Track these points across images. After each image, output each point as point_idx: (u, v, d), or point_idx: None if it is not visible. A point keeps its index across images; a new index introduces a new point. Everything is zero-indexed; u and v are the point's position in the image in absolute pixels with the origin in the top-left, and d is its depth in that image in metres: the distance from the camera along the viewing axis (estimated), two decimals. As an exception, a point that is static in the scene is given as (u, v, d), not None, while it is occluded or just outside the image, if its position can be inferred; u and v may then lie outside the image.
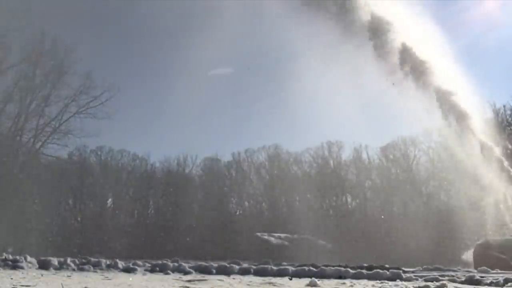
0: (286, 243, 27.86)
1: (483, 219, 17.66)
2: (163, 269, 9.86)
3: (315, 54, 22.69)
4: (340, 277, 9.18)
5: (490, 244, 15.51)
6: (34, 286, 6.49)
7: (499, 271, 11.31)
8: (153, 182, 35.15)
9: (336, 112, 24.21)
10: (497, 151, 17.71)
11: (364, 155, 34.54)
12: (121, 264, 10.12)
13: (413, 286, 7.70)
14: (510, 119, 34.82)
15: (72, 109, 27.49)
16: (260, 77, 24.87)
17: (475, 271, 11.40)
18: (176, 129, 34.01)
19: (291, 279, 8.91)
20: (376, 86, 20.81)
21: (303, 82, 24.38)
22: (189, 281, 8.04)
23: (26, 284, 6.59)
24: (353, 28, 18.46)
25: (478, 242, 16.29)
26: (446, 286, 7.64)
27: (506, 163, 16.93)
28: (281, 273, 9.69)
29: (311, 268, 10.30)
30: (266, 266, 10.83)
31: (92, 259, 10.55)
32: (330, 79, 23.57)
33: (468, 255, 16.67)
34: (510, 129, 34.88)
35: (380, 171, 33.32)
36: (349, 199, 35.16)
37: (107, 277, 8.21)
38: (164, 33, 25.23)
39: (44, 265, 9.41)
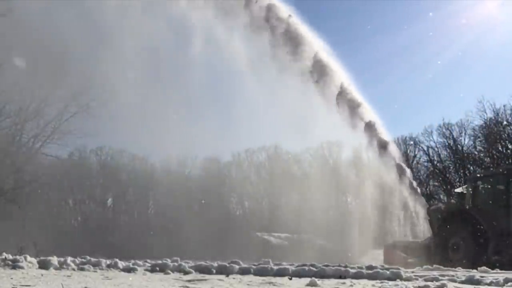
0: (286, 243, 27.91)
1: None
2: (163, 269, 9.81)
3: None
4: (340, 277, 9.16)
5: (396, 245, 18.82)
6: (34, 286, 6.47)
7: (498, 271, 11.35)
8: (153, 182, 35.22)
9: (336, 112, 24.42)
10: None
11: (364, 155, 34.62)
12: (121, 264, 10.08)
13: (413, 286, 7.68)
14: (510, 119, 34.87)
15: (72, 109, 27.58)
16: (260, 76, 24.86)
17: (475, 270, 11.40)
18: (176, 129, 34.01)
19: (291, 279, 8.88)
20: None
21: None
22: (189, 280, 8.02)
23: (26, 284, 6.57)
24: None
25: (387, 243, 19.79)
26: (446, 286, 7.63)
27: (415, 183, 21.59)
28: (281, 273, 9.66)
29: (311, 268, 10.28)
30: (266, 266, 10.79)
31: (92, 259, 10.51)
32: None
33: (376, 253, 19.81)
34: (510, 129, 34.93)
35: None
36: (349, 199, 35.25)
37: (107, 277, 8.19)
38: (164, 32, 25.16)
39: (44, 265, 9.37)
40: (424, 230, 19.73)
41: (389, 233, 23.47)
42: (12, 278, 7.23)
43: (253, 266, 10.58)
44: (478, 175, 21.13)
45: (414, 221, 20.51)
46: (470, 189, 17.60)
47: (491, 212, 16.26)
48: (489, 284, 8.26)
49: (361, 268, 10.88)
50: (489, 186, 17.45)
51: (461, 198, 18.78)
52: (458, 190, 21.88)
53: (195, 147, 36.02)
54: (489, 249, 15.52)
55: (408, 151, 40.19)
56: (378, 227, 23.38)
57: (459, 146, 38.21)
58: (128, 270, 9.64)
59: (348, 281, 8.46)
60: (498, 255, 15.30)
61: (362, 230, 24.61)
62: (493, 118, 35.42)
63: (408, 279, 8.90)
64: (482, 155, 37.25)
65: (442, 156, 39.17)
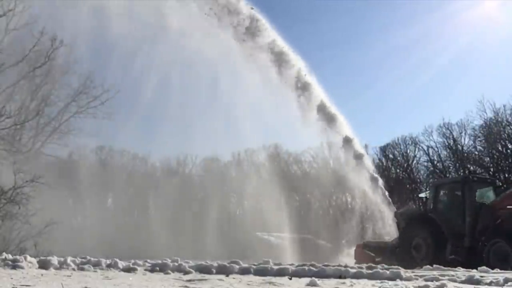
0: (286, 243, 27.89)
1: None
2: (163, 269, 9.80)
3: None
4: (340, 277, 9.16)
5: (366, 245, 20.75)
6: (34, 286, 6.47)
7: (498, 271, 11.38)
8: (153, 182, 35.20)
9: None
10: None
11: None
12: (121, 263, 10.07)
13: (413, 286, 7.68)
14: (510, 119, 34.88)
15: (72, 109, 27.54)
16: (260, 75, 24.92)
17: (475, 270, 11.41)
18: (176, 129, 34.05)
19: (291, 279, 8.88)
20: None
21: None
22: (189, 280, 8.02)
23: (26, 284, 6.56)
24: None
25: (358, 243, 21.90)
26: (446, 286, 7.63)
27: (386, 193, 23.93)
28: (281, 273, 9.66)
29: (311, 268, 10.28)
30: (266, 266, 10.80)
31: (92, 259, 10.50)
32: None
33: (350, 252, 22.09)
34: (510, 129, 34.94)
35: (380, 171, 33.44)
36: (349, 199, 35.25)
37: (107, 277, 8.18)
38: (165, 32, 25.21)
39: (44, 265, 9.36)
40: (392, 231, 21.73)
41: (374, 233, 25.35)
42: (12, 278, 7.22)
43: (253, 266, 10.57)
44: (439, 182, 23.22)
45: (385, 223, 22.72)
46: (432, 195, 19.11)
47: (449, 216, 17.80)
48: (489, 284, 8.26)
49: (361, 268, 10.89)
50: (448, 192, 18.89)
51: (424, 203, 21.10)
52: (422, 195, 24.14)
53: (195, 147, 36.08)
54: (447, 249, 16.97)
55: (408, 151, 40.22)
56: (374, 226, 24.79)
57: (459, 146, 38.24)
58: (128, 270, 9.63)
59: (348, 281, 8.46)
60: (455, 255, 16.68)
61: (359, 229, 25.62)
62: (493, 118, 35.47)
63: (408, 279, 8.90)
64: (482, 155, 37.26)
65: (442, 156, 39.22)
